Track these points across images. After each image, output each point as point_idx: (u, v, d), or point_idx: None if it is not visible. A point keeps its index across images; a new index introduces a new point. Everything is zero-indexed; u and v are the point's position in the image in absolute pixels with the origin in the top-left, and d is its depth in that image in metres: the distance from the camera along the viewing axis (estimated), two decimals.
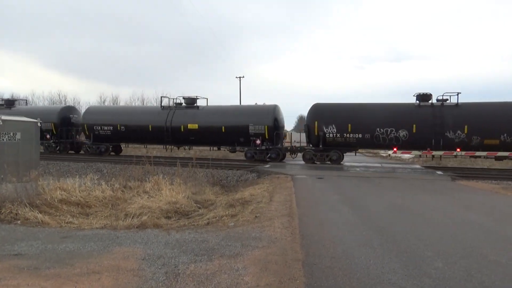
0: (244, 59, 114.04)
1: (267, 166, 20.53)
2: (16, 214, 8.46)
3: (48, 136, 27.78)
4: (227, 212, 8.92)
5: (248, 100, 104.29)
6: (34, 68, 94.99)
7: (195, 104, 25.94)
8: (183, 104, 26.06)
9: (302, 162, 22.56)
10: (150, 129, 25.39)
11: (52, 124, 27.88)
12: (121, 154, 28.89)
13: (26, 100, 32.66)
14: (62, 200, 9.55)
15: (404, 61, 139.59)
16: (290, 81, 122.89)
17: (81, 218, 8.70)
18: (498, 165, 22.80)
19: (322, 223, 7.64)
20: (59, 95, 66.44)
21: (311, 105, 22.46)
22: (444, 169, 20.96)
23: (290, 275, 4.65)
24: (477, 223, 7.92)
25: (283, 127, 25.77)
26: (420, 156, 23.05)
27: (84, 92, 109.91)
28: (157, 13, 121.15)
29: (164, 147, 27.31)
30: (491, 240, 6.48)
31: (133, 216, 8.44)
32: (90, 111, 28.90)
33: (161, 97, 28.15)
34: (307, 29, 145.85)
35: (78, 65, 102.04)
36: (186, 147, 27.37)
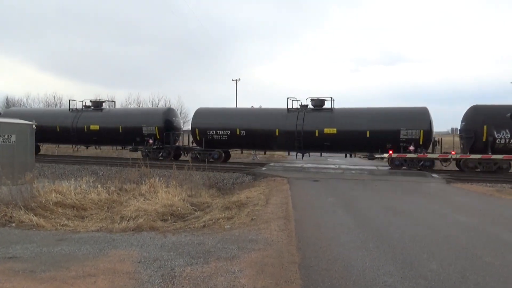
0: (240, 61, 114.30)
1: (263, 168, 20.53)
2: (10, 217, 8.41)
3: (151, 141, 24.44)
4: (223, 215, 8.91)
5: (244, 102, 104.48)
6: (28, 69, 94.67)
7: (325, 106, 22.70)
8: (310, 107, 22.84)
9: (299, 165, 22.59)
10: (277, 134, 22.11)
11: (156, 128, 24.53)
12: (229, 160, 25.84)
13: (114, 102, 30.71)
14: (57, 202, 9.51)
15: (398, 64, 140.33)
16: (285, 83, 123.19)
17: (76, 221, 8.66)
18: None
19: (318, 225, 7.65)
20: (54, 97, 66.14)
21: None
22: (440, 171, 21.05)
23: (286, 277, 4.66)
24: (472, 225, 7.97)
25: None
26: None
27: (79, 94, 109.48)
28: (153, 15, 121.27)
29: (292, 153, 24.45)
30: (486, 242, 6.53)
31: (129, 219, 8.42)
32: (201, 113, 24.90)
33: (287, 98, 23.14)
34: (302, 32, 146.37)
35: (73, 67, 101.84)
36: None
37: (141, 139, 24.80)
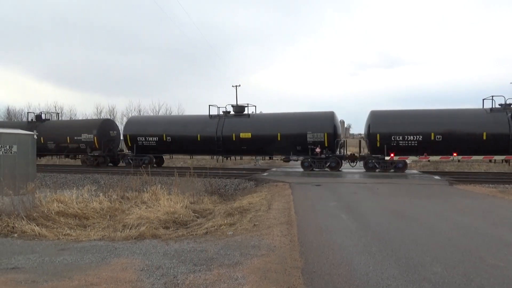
0: (239, 67, 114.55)
1: (265, 174, 20.52)
2: (13, 227, 8.41)
3: (318, 150, 21.79)
4: (225, 221, 8.89)
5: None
6: (27, 80, 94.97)
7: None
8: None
9: (301, 170, 22.57)
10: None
11: (325, 135, 21.95)
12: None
13: (255, 106, 27.04)
14: (59, 212, 9.51)
15: (397, 67, 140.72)
16: (285, 88, 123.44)
17: (78, 230, 8.65)
18: (495, 169, 22.91)
19: (320, 230, 7.63)
20: (55, 107, 66.38)
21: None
22: (442, 173, 21.01)
23: (289, 283, 4.64)
24: (475, 227, 7.93)
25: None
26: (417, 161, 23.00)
27: (80, 104, 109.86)
28: (151, 24, 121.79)
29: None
30: (489, 244, 6.49)
31: (131, 227, 8.41)
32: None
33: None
34: (299, 37, 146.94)
35: (72, 77, 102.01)
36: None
37: (304, 147, 22.28)
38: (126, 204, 10.90)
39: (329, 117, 22.50)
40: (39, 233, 8.02)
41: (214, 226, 8.50)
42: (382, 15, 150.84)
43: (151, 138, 25.00)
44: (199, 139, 23.98)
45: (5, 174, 12.62)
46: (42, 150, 27.10)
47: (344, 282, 4.67)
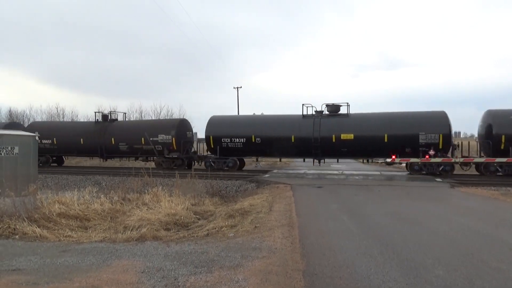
0: (240, 68, 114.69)
1: (267, 175, 20.50)
2: (14, 229, 8.40)
3: (432, 152, 19.99)
4: (226, 223, 8.88)
5: (246, 109, 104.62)
6: (29, 82, 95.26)
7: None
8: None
9: (302, 172, 22.50)
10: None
11: (440, 136, 20.31)
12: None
13: (348, 104, 23.67)
14: (60, 213, 9.50)
15: (398, 68, 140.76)
16: (286, 90, 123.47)
17: (80, 231, 8.65)
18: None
19: (322, 232, 7.61)
20: (57, 108, 66.55)
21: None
22: (443, 175, 20.94)
23: (291, 285, 4.63)
24: (477, 229, 7.90)
25: None
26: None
27: (81, 105, 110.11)
28: (152, 24, 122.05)
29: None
30: (492, 247, 6.46)
31: (132, 229, 8.40)
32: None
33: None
34: (300, 39, 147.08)
35: (73, 78, 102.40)
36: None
37: (415, 148, 20.35)
38: (127, 205, 10.89)
39: (443, 116, 20.62)
40: (40, 235, 8.02)
41: (215, 228, 8.49)
42: (382, 17, 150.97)
43: (237, 139, 22.84)
44: (293, 140, 21.88)
45: (7, 175, 12.63)
46: (112, 152, 26.49)
47: (345, 285, 4.65)
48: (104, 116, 28.44)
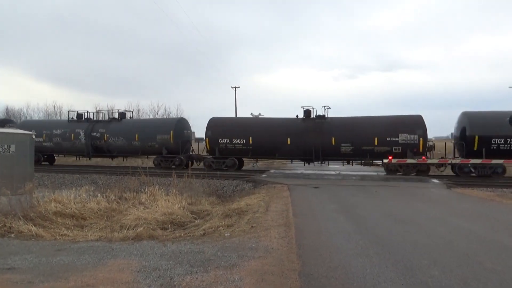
0: (238, 69, 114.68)
1: (264, 175, 20.49)
2: (10, 227, 8.37)
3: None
4: (223, 223, 8.88)
5: (244, 109, 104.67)
6: (26, 79, 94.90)
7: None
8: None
9: (299, 172, 22.55)
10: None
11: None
12: None
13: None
14: (56, 212, 9.48)
15: (395, 70, 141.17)
16: (283, 90, 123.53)
17: (76, 230, 8.63)
18: None
19: (318, 232, 7.62)
20: (54, 106, 66.43)
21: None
22: (440, 177, 21.00)
23: (286, 285, 4.63)
24: (473, 231, 7.93)
25: None
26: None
27: (79, 103, 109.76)
28: (151, 24, 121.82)
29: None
30: (487, 248, 6.49)
31: (128, 228, 8.39)
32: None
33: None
34: (299, 40, 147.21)
35: (70, 77, 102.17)
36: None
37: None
38: (124, 204, 10.87)
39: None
40: (36, 233, 7.99)
41: (212, 228, 8.48)
42: (378, 20, 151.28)
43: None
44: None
45: (3, 174, 12.58)
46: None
47: (341, 285, 4.66)
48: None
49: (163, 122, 26.84)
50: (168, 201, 10.83)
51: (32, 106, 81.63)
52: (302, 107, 22.34)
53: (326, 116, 22.06)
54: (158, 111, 64.08)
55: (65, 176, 21.77)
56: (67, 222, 9.15)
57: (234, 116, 43.27)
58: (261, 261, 5.64)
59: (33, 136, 14.69)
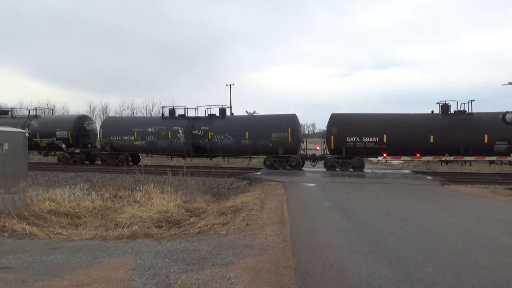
0: (234, 66, 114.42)
1: (259, 173, 20.51)
2: (3, 226, 8.31)
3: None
4: (218, 220, 8.87)
5: (239, 107, 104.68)
6: (19, 77, 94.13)
7: None
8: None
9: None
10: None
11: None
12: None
13: None
14: (50, 211, 9.41)
15: (390, 68, 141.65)
16: (279, 88, 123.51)
17: (70, 229, 8.58)
18: (486, 169, 23.10)
19: (313, 230, 7.64)
20: (47, 104, 65.83)
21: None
22: (434, 174, 21.15)
23: (282, 283, 4.64)
24: (467, 227, 7.99)
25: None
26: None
27: (73, 102, 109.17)
28: (145, 22, 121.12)
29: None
30: (481, 245, 6.54)
31: (123, 226, 8.35)
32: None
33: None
34: (294, 38, 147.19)
35: (64, 74, 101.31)
36: None
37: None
38: (119, 203, 10.82)
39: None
40: (30, 232, 7.94)
41: (207, 225, 8.47)
42: (372, 18, 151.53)
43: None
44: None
45: None
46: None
47: (336, 282, 4.68)
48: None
49: (279, 119, 23.68)
50: (163, 199, 10.79)
51: (26, 103, 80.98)
52: (442, 102, 20.88)
53: (470, 111, 20.36)
54: (152, 109, 63.78)
55: (59, 174, 21.66)
56: (61, 221, 9.09)
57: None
58: (256, 259, 5.65)
59: (27, 134, 14.58)
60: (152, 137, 24.54)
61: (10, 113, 29.98)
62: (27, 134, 14.56)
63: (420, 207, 10.44)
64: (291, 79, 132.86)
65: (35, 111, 29.40)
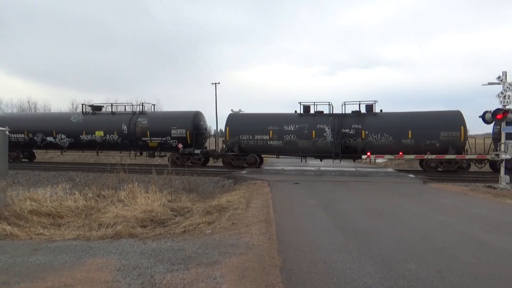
0: (218, 65, 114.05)
1: (244, 172, 20.51)
2: None
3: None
4: (204, 220, 8.84)
5: (224, 105, 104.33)
6: None
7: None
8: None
9: (280, 168, 22.67)
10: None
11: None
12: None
13: None
14: (32, 211, 9.24)
15: (373, 67, 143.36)
16: (263, 87, 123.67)
17: (52, 229, 8.43)
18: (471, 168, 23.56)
19: (299, 228, 7.68)
20: (28, 102, 64.54)
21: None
22: (416, 172, 21.48)
23: (268, 281, 4.65)
24: (448, 224, 8.16)
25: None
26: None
27: (55, 99, 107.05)
28: (129, 19, 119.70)
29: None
30: (462, 241, 6.69)
31: (107, 226, 8.25)
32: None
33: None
34: (278, 37, 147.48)
35: (44, 71, 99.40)
36: None
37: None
38: (102, 202, 10.68)
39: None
40: (10, 233, 7.76)
41: (192, 225, 8.44)
42: (355, 18, 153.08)
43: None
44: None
45: None
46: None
47: (321, 280, 4.72)
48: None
49: (444, 115, 21.04)
50: (148, 198, 10.70)
51: (5, 101, 79.26)
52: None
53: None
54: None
55: (40, 174, 21.22)
56: (43, 221, 8.93)
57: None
58: (242, 258, 5.65)
59: (7, 132, 14.25)
60: (292, 136, 21.89)
61: (103, 108, 27.14)
62: (7, 133, 14.22)
63: (404, 205, 10.59)
64: (275, 77, 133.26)
65: (141, 106, 26.02)
